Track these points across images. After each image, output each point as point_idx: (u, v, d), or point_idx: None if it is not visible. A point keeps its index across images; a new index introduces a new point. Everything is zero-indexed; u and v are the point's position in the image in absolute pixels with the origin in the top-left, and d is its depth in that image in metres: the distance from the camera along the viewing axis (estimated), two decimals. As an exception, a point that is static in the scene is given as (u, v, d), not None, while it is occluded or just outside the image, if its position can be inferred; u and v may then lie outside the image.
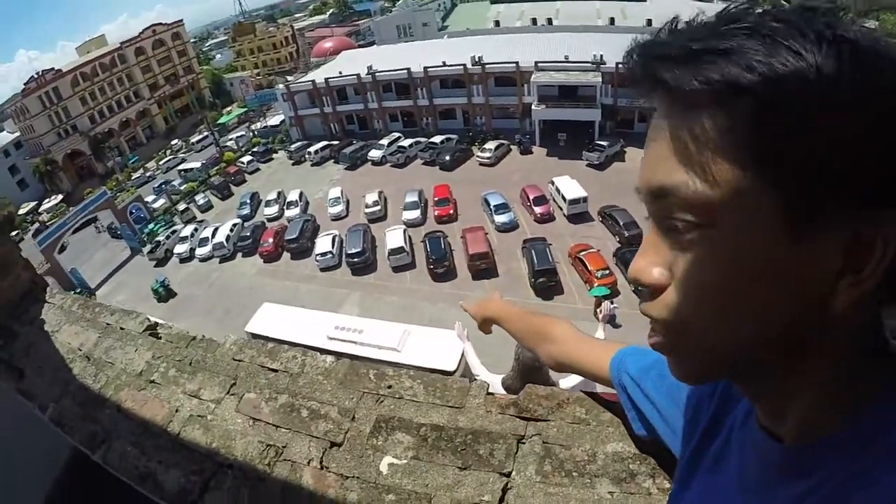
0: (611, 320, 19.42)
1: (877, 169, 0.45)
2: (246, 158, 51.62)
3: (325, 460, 1.59)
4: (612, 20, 56.23)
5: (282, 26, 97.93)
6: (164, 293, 32.29)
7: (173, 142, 68.55)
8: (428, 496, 1.41)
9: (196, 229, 39.16)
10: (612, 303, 20.96)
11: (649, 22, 46.26)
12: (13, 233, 45.50)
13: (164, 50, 75.43)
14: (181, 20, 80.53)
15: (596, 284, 23.11)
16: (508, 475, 1.37)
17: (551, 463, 1.35)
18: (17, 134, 65.94)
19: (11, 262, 2.72)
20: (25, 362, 2.42)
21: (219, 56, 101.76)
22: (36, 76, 64.84)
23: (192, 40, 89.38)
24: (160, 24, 75.96)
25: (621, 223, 27.08)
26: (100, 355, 2.28)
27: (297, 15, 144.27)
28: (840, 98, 0.45)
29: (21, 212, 58.57)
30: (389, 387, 1.72)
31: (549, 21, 61.57)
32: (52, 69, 66.49)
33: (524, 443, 1.42)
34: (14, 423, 2.41)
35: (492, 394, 1.61)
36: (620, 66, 0.60)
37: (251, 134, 58.98)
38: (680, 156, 0.52)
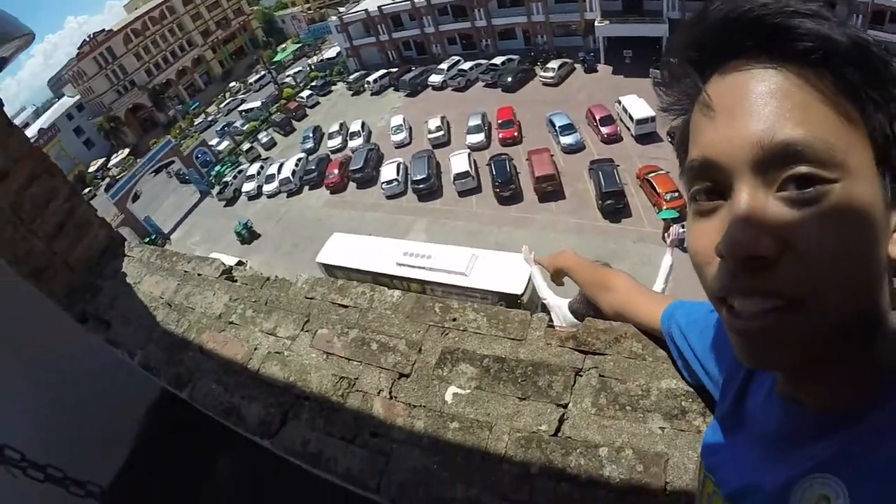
0: (679, 244, 18.84)
1: None
2: (305, 93, 51.65)
3: (394, 390, 1.66)
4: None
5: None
6: (248, 235, 32.43)
7: (231, 84, 69.18)
8: (489, 424, 1.47)
9: (262, 167, 39.87)
10: (681, 226, 20.29)
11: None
12: (85, 191, 47.31)
13: (211, -5, 75.30)
14: (225, -38, 79.46)
15: (665, 207, 22.29)
16: (565, 406, 1.41)
17: (606, 396, 1.38)
18: (78, 97, 67.72)
19: (88, 221, 2.85)
20: (111, 314, 2.56)
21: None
22: (88, 39, 65.85)
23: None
24: (204, -31, 75.26)
25: (692, 143, 25.74)
26: (180, 301, 2.40)
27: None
28: None
29: (91, 169, 61.12)
30: (454, 319, 1.76)
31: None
32: (103, 30, 67.54)
33: (581, 375, 1.45)
34: (106, 368, 2.59)
35: (552, 326, 1.63)
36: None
37: (308, 69, 58.63)
38: (815, 108, 0.50)
